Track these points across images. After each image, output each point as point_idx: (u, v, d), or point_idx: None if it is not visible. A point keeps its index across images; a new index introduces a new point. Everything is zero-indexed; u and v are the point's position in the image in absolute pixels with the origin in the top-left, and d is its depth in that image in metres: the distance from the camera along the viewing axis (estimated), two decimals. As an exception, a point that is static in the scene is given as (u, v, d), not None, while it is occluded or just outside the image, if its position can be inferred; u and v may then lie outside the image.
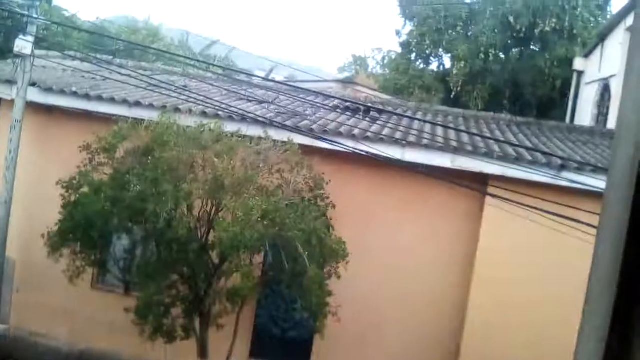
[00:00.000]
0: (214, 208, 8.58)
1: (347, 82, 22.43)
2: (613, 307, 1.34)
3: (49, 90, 11.30)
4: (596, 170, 9.24)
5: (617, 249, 1.35)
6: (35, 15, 10.89)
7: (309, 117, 10.94)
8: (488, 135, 11.31)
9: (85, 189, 8.72)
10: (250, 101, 11.86)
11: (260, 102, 11.80)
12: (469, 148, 9.92)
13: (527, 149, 10.18)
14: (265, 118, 10.29)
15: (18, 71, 10.94)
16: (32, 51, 10.82)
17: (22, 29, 10.98)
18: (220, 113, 10.32)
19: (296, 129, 9.90)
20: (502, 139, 11.12)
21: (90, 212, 8.35)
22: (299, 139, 9.52)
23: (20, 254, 11.70)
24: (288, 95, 12.59)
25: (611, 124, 15.55)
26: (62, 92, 11.23)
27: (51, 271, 9.38)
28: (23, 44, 10.64)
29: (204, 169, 8.55)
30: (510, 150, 10.06)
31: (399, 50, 27.85)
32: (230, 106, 10.58)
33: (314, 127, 10.24)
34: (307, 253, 7.89)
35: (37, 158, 11.69)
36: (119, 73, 11.51)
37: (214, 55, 32.76)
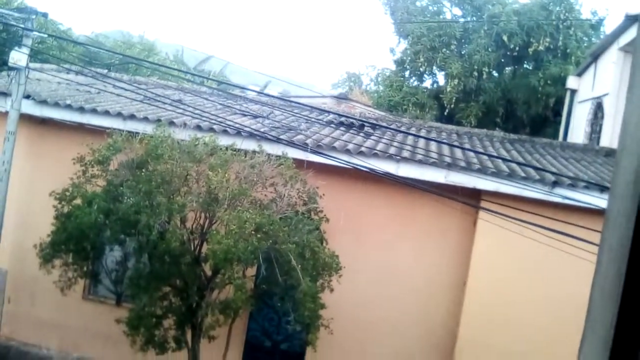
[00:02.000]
0: (208, 221, 8.58)
1: (341, 97, 22.50)
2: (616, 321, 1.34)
3: (43, 102, 11.30)
4: (589, 186, 9.29)
5: (620, 261, 1.35)
6: (30, 28, 10.91)
7: (303, 132, 10.97)
8: (481, 151, 11.35)
9: (78, 201, 8.71)
10: (244, 115, 11.89)
11: (255, 117, 11.83)
12: (462, 164, 9.96)
13: (520, 164, 10.22)
14: (259, 132, 10.31)
15: (13, 83, 10.94)
16: (27, 63, 10.83)
17: (18, 41, 10.99)
18: (214, 127, 10.34)
19: (290, 143, 9.92)
20: (495, 154, 11.16)
21: (83, 223, 8.34)
22: (293, 153, 9.54)
23: (12, 265, 11.66)
24: (282, 110, 12.63)
25: (604, 141, 15.64)
26: (56, 104, 11.24)
27: (43, 282, 9.39)
28: (18, 56, 10.65)
29: (197, 182, 8.57)
30: (503, 166, 10.10)
31: (393, 67, 28.02)
32: (225, 120, 10.60)
33: (308, 141, 10.27)
34: (300, 266, 7.89)
35: (31, 170, 11.68)
36: (114, 86, 11.53)
37: (208, 70, 32.86)
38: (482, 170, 9.76)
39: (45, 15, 12.37)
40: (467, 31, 25.25)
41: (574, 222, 8.17)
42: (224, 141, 9.47)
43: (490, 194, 9.68)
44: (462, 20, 26.38)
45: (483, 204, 9.66)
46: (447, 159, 10.17)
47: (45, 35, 13.40)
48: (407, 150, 10.53)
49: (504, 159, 10.51)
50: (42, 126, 11.68)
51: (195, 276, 8.68)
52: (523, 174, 9.69)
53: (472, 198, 9.86)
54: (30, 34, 10.94)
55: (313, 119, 12.27)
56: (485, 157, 10.64)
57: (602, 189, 9.11)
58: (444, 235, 10.46)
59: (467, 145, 11.97)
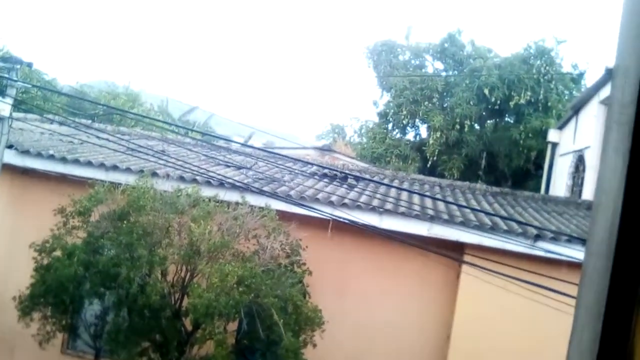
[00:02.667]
0: (189, 274, 8.48)
1: (325, 149, 22.63)
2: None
3: (25, 152, 11.24)
4: (571, 240, 9.32)
5: (596, 320, 1.34)
6: (15, 78, 10.91)
7: (286, 183, 10.97)
8: (464, 204, 11.39)
9: (58, 253, 8.58)
10: (228, 166, 11.89)
11: (239, 168, 11.84)
12: (445, 216, 9.98)
13: (503, 218, 10.26)
14: (243, 183, 10.30)
15: (-5, 133, 10.88)
16: (10, 113, 10.79)
17: (1, 91, 10.97)
18: (197, 178, 10.32)
19: (274, 195, 9.91)
20: (477, 207, 11.20)
21: (62, 276, 8.21)
22: (277, 205, 9.53)
23: (-11, 318, 11.40)
24: (266, 161, 12.65)
25: (586, 194, 15.77)
26: (38, 154, 11.19)
27: (22, 335, 9.17)
28: (1, 107, 10.62)
29: (179, 234, 8.50)
30: (486, 219, 10.12)
31: (376, 119, 28.30)
32: (209, 171, 10.59)
33: (291, 193, 10.26)
34: (282, 321, 7.79)
35: (11, 220, 11.54)
36: (97, 137, 11.51)
37: (193, 121, 32.99)
38: (465, 223, 9.77)
39: (30, 65, 12.40)
40: (449, 84, 25.63)
41: (556, 276, 8.16)
42: (207, 192, 9.44)
43: (474, 247, 9.68)
44: (444, 73, 26.80)
45: (466, 257, 9.66)
46: (430, 212, 10.19)
47: (30, 86, 13.41)
48: (390, 202, 10.54)
49: (486, 213, 10.54)
50: (24, 176, 11.58)
51: (175, 331, 8.53)
52: (506, 227, 9.71)
53: (455, 251, 9.86)
54: (15, 84, 10.93)
55: (296, 171, 12.30)
56: (468, 210, 10.66)
57: (584, 242, 9.12)
58: (427, 288, 10.41)
59: (449, 198, 12.01)
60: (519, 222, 10.08)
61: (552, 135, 21.14)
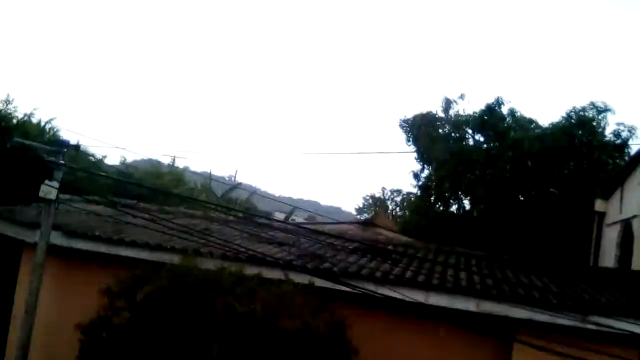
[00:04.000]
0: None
1: (367, 223, 22.56)
2: None
3: (71, 233, 11.43)
4: (624, 313, 9.02)
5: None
6: (61, 162, 11.19)
7: (329, 260, 10.90)
8: (510, 278, 11.15)
9: (104, 334, 8.60)
10: (270, 243, 11.90)
11: (281, 244, 11.83)
12: (494, 291, 9.76)
13: (552, 292, 10.00)
14: (285, 261, 10.27)
15: (42, 215, 11.11)
16: (57, 196, 11.04)
17: (48, 174, 11.23)
18: (240, 256, 10.32)
19: (317, 272, 9.84)
20: (525, 281, 10.94)
21: (109, 357, 8.21)
22: (320, 282, 9.44)
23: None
24: (308, 238, 12.63)
25: (636, 264, 15.31)
26: (84, 235, 11.36)
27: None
28: (48, 189, 10.87)
29: (223, 313, 8.44)
30: (535, 293, 9.87)
31: (416, 191, 28.23)
32: (251, 249, 10.60)
33: (335, 269, 10.18)
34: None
35: (57, 301, 11.62)
36: (142, 217, 11.66)
37: (235, 197, 33.41)
38: (515, 298, 9.53)
39: (77, 147, 12.76)
40: (490, 156, 25.52)
41: (608, 352, 7.88)
42: (250, 270, 9.43)
43: (524, 322, 9.40)
44: (485, 146, 26.73)
45: (517, 334, 9.37)
46: (478, 286, 9.98)
47: (76, 168, 13.76)
48: (436, 277, 10.36)
49: (536, 287, 10.29)
50: (69, 257, 11.73)
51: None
52: (556, 301, 9.44)
53: (505, 327, 9.58)
54: (61, 167, 11.20)
55: (339, 246, 12.23)
56: (516, 284, 10.43)
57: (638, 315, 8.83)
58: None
59: (496, 272, 11.75)
60: (569, 296, 9.81)
61: (599, 205, 20.78)
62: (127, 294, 8.84)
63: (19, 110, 20.64)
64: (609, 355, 7.69)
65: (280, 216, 31.06)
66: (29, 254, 11.79)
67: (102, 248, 11.19)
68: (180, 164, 37.47)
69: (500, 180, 23.73)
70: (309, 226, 16.27)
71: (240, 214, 18.52)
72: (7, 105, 20.28)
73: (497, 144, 26.46)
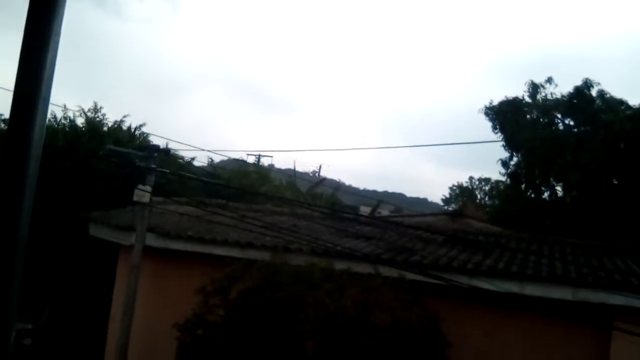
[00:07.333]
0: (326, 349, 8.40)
1: (455, 214, 22.21)
2: None
3: (166, 235, 11.75)
4: None
5: None
6: (153, 166, 11.53)
7: (419, 252, 10.77)
8: (608, 265, 10.72)
9: (200, 331, 8.80)
10: (357, 238, 11.86)
11: (368, 239, 11.78)
12: (590, 279, 9.40)
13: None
14: (374, 255, 10.22)
15: (136, 218, 11.49)
16: (150, 199, 11.38)
17: (141, 178, 11.59)
18: (329, 251, 10.33)
19: (406, 265, 9.74)
20: (623, 268, 10.49)
21: (206, 354, 8.39)
22: (411, 275, 9.34)
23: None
24: (396, 231, 12.52)
25: None
26: (178, 236, 11.65)
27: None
28: (141, 193, 11.23)
29: (315, 309, 8.47)
30: (633, 279, 9.45)
31: (505, 179, 27.51)
32: (339, 244, 10.60)
33: (424, 262, 10.04)
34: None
35: (153, 300, 11.98)
36: (232, 217, 11.86)
37: (320, 193, 33.58)
38: (612, 285, 9.14)
39: (167, 151, 13.12)
40: (581, 140, 24.59)
41: None
42: (339, 265, 9.43)
43: (622, 309, 9.00)
44: (575, 129, 25.79)
45: (616, 321, 8.99)
46: (573, 275, 9.64)
47: (167, 172, 14.15)
48: (530, 267, 10.07)
49: (633, 273, 9.85)
50: (164, 257, 12.07)
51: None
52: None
53: (603, 315, 9.21)
54: (153, 171, 11.55)
55: (428, 239, 12.07)
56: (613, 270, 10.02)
57: None
58: (576, 356, 9.75)
59: (592, 260, 11.32)
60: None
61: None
62: (221, 291, 9.01)
63: (109, 118, 21.32)
64: None
65: (365, 210, 31.01)
66: (125, 256, 12.20)
67: (196, 247, 11.45)
68: (265, 162, 38.08)
69: (593, 165, 22.82)
70: (395, 219, 16.16)
71: (326, 210, 18.57)
72: (95, 113, 20.95)
73: (587, 127, 25.46)
